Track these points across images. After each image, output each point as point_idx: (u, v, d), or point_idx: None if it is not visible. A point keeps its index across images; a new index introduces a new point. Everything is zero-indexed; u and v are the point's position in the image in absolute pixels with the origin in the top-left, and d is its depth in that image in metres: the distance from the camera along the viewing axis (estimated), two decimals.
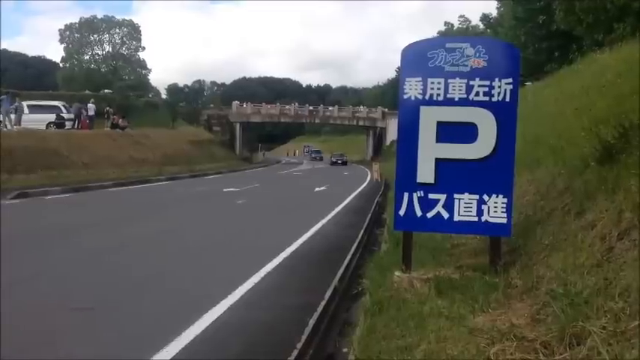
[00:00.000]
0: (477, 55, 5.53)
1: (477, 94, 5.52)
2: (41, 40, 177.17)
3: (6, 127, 26.29)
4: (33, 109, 30.63)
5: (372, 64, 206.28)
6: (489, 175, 5.50)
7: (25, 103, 30.93)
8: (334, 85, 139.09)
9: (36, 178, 20.33)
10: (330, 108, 70.57)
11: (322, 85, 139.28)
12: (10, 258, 8.04)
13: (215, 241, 10.02)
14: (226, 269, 7.67)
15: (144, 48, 77.34)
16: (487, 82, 5.51)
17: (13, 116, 26.70)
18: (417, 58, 5.68)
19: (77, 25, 74.41)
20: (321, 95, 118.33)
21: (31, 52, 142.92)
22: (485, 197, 5.52)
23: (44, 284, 6.72)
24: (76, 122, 31.86)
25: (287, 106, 69.10)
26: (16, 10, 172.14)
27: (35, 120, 28.85)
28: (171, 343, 4.63)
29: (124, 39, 75.95)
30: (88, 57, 75.83)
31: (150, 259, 8.37)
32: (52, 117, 30.43)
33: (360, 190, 23.08)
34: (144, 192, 20.67)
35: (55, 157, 23.57)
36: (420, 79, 5.62)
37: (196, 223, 12.53)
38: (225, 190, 21.43)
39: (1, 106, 26.95)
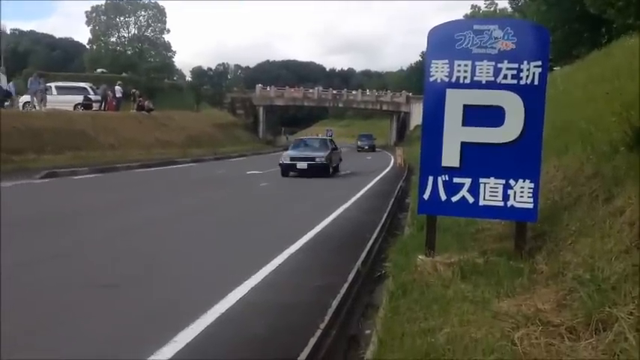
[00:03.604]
0: (506, 37, 5.44)
1: (505, 77, 5.44)
2: (69, 22, 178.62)
3: (34, 108, 26.75)
4: (61, 90, 31.10)
5: (397, 47, 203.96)
6: (516, 160, 5.43)
7: (53, 85, 31.40)
8: (358, 69, 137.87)
9: (64, 159, 20.68)
10: (354, 92, 70.11)
11: (346, 68, 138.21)
12: (40, 235, 8.23)
13: (238, 223, 10.09)
14: (249, 251, 7.73)
15: (169, 30, 77.49)
16: (515, 65, 5.42)
17: (40, 97, 27.11)
18: (444, 40, 5.61)
19: (103, 7, 74.83)
20: (345, 79, 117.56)
21: (59, 33, 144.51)
22: (512, 182, 5.46)
23: (73, 262, 6.86)
24: (103, 104, 32.25)
25: (310, 90, 68.87)
26: None
27: (63, 101, 29.31)
28: (195, 322, 4.70)
29: (150, 21, 76.14)
30: (114, 39, 76.35)
31: (174, 239, 8.49)
32: (79, 98, 30.84)
33: (383, 174, 23.00)
34: (169, 173, 20.89)
35: (83, 138, 23.93)
36: (446, 61, 5.55)
37: (220, 205, 12.64)
38: (248, 172, 21.56)
39: (29, 87, 27.43)
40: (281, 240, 8.19)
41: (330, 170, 20.21)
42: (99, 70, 60.41)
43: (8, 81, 27.45)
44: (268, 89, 64.95)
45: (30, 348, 4.20)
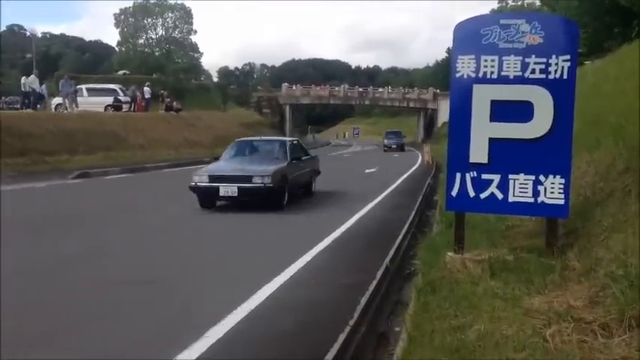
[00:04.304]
0: (533, 31, 5.37)
1: (533, 71, 5.37)
2: (98, 25, 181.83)
3: (66, 110, 27.33)
4: (91, 92, 31.70)
5: (424, 44, 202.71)
6: (546, 155, 5.37)
7: (84, 87, 32.02)
8: (384, 66, 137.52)
9: (96, 159, 21.08)
10: (380, 89, 69.79)
11: (372, 66, 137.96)
12: (72, 234, 8.42)
13: (265, 220, 10.17)
14: (278, 248, 7.80)
15: (195, 31, 78.20)
16: (544, 59, 5.35)
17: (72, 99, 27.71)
18: (470, 35, 5.57)
19: (131, 9, 75.95)
20: (371, 76, 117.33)
21: (89, 36, 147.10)
22: (542, 178, 5.39)
23: (107, 260, 7.01)
24: (133, 105, 32.76)
25: (336, 88, 68.80)
26: None
27: (94, 103, 29.87)
28: (225, 318, 4.76)
29: (177, 23, 77.00)
30: (142, 41, 77.40)
31: (204, 237, 8.60)
32: (109, 100, 31.38)
33: (410, 172, 22.88)
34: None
35: (113, 139, 24.33)
36: (473, 56, 5.51)
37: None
38: None
39: (61, 89, 28.04)
40: (310, 237, 8.24)
41: (284, 198, 11.44)
42: (121, 72, 61.24)
43: (40, 84, 28.01)
44: (294, 88, 65.12)
45: (63, 346, 4.31)
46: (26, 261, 6.81)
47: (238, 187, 10.76)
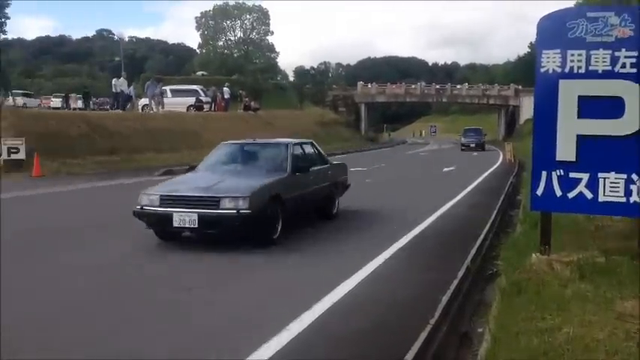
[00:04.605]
0: (623, 24, 5.14)
1: (624, 65, 5.15)
2: (181, 28, 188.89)
3: (152, 110, 28.61)
4: (175, 93, 33.02)
5: (503, 39, 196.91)
6: (639, 153, 5.12)
7: (168, 88, 33.41)
8: (462, 62, 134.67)
9: (179, 157, 21.93)
10: (459, 86, 68.34)
11: (449, 62, 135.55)
12: None
13: (346, 217, 10.24)
14: (357, 245, 7.83)
15: (272, 32, 79.80)
16: (634, 53, 5.12)
17: (158, 100, 29.00)
18: (555, 29, 5.40)
19: (211, 12, 78.32)
20: (449, 73, 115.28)
21: (172, 39, 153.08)
22: (634, 177, 5.15)
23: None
24: (213, 105, 33.82)
25: (413, 86, 68.04)
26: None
27: (177, 103, 31.12)
28: (304, 313, 4.82)
29: (254, 24, 78.80)
30: (221, 43, 79.65)
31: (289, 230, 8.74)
32: (191, 100, 32.57)
33: (491, 170, 22.31)
34: None
35: (195, 137, 25.22)
36: (558, 51, 5.34)
37: None
38: (352, 169, 21.63)
39: (147, 90, 29.43)
40: (389, 234, 8.24)
41: (275, 229, 7.81)
42: (199, 73, 63.24)
43: (128, 85, 29.50)
44: (369, 86, 64.92)
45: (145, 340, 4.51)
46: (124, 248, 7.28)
47: (199, 215, 7.13)
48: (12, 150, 17.33)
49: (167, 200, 7.48)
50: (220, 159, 9.34)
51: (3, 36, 35.14)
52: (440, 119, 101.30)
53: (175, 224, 7.25)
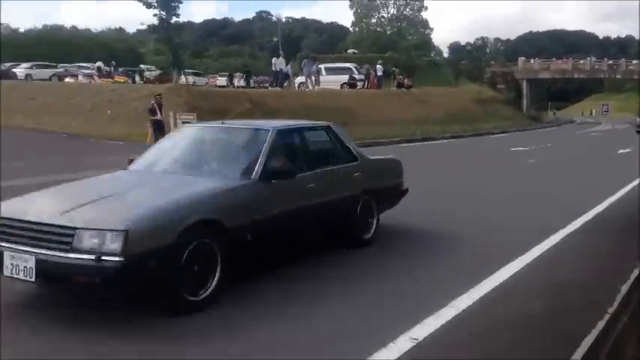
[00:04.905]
0: None
1: None
2: (334, 8, 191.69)
3: (308, 88, 29.48)
4: (329, 71, 33.74)
5: None
6: None
7: (322, 66, 34.21)
8: (638, 36, 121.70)
9: None
10: (635, 61, 61.76)
11: (623, 36, 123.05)
12: None
13: (515, 195, 9.95)
14: (527, 226, 7.39)
15: (426, 8, 78.01)
16: None
17: (314, 78, 29.82)
18: None
19: None
20: (622, 48, 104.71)
21: (326, 19, 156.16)
22: None
23: None
24: (366, 82, 34.01)
25: (581, 61, 62.72)
26: None
27: (331, 81, 31.78)
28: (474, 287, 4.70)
29: (408, 0, 77.56)
30: (374, 20, 79.55)
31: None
32: (345, 78, 33.05)
33: None
34: (432, 148, 21.23)
35: (348, 114, 25.55)
36: None
37: (491, 178, 12.72)
38: (512, 149, 20.78)
39: (303, 68, 30.40)
40: (560, 217, 7.75)
41: (203, 285, 4.24)
42: (350, 51, 63.59)
43: (286, 64, 30.63)
44: (532, 62, 60.99)
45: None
46: None
47: (37, 260, 3.94)
48: (186, 124, 18.74)
49: (2, 227, 4.28)
50: (166, 151, 5.85)
51: (176, 19, 37.56)
52: (612, 97, 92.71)
53: (6, 272, 4.11)
